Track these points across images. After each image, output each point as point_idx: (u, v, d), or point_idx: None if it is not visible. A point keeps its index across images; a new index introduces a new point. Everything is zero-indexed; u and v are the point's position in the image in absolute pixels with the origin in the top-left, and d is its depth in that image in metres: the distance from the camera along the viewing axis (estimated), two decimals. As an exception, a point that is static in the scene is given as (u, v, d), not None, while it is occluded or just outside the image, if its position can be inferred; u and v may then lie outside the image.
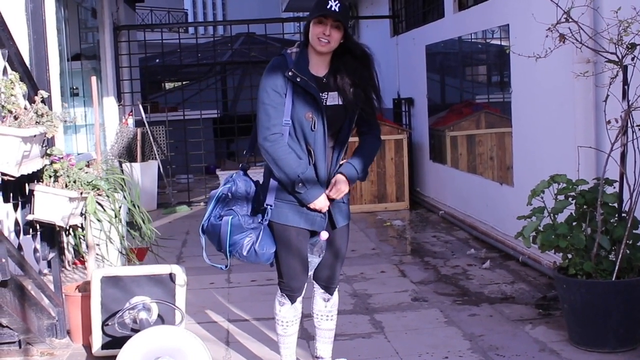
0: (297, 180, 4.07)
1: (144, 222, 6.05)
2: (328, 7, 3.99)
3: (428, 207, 10.57)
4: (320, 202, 4.15)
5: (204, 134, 13.08)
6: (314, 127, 4.10)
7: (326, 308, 4.53)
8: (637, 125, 4.79)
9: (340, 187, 4.18)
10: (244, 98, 15.07)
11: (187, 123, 12.93)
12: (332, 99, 4.16)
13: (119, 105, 11.93)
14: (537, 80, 6.69)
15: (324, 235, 4.21)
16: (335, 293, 4.55)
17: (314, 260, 4.33)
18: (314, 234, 4.27)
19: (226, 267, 4.30)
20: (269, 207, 4.19)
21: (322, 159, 4.16)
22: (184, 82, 18.98)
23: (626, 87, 4.85)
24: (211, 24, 37.69)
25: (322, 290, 4.50)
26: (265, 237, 4.20)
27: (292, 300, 4.38)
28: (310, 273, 4.39)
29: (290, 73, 4.08)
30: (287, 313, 4.42)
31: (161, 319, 4.85)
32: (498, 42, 7.97)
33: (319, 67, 4.18)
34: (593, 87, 5.75)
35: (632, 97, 4.79)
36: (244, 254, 4.17)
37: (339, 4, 4.00)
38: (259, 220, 4.20)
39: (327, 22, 4.02)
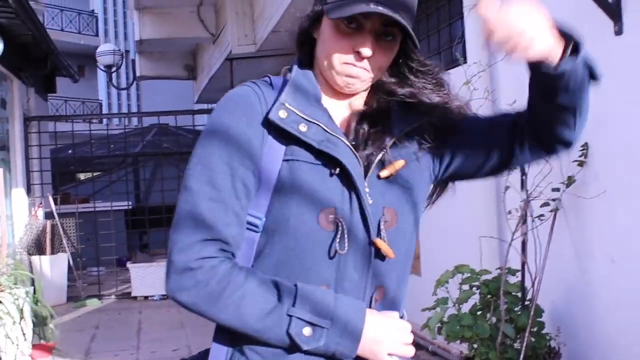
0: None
1: (50, 318, 5.93)
2: None
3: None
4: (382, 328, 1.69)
5: (115, 226, 12.95)
6: (341, 247, 1.66)
7: None
8: (537, 216, 4.91)
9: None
10: (156, 190, 15.04)
11: (98, 215, 12.81)
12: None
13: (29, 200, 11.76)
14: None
15: None
16: None
17: None
18: None
19: None
20: None
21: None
22: (95, 174, 18.82)
23: (524, 177, 4.98)
24: (123, 116, 37.51)
25: None
26: None
27: None
28: None
29: (282, 114, 1.66)
30: None
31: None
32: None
33: (338, 116, 1.79)
34: (493, 178, 5.86)
35: (530, 188, 4.91)
36: None
37: None
38: None
39: (365, 29, 1.66)
